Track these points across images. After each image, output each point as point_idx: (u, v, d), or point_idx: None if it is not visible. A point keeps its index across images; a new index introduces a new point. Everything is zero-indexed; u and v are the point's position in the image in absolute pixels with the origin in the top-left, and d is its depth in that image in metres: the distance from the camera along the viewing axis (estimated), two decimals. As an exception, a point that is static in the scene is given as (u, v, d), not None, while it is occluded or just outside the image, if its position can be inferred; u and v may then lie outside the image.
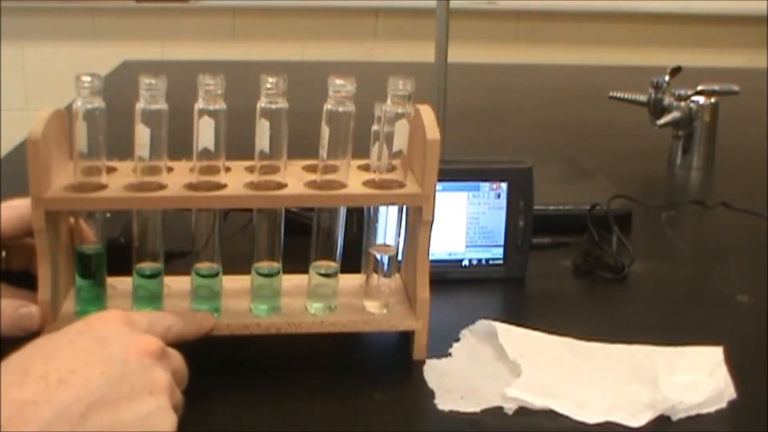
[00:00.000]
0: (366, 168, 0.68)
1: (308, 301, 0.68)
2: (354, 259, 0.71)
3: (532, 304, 0.81)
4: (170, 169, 0.65)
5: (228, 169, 0.65)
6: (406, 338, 0.68)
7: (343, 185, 0.65)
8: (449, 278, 0.81)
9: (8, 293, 0.65)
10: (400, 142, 0.66)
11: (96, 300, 0.66)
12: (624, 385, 0.63)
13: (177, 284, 0.68)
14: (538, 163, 0.82)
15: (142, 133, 0.62)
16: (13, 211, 0.66)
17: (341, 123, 0.64)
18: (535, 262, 0.83)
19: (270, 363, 0.67)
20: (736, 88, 1.19)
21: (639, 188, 1.08)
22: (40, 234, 0.62)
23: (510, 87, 1.77)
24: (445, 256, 0.81)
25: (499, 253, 0.82)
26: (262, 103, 0.63)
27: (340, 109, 0.64)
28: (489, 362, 0.67)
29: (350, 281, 0.70)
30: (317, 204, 0.66)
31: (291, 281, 0.68)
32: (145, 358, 0.49)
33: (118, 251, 0.67)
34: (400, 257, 0.71)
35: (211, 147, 0.63)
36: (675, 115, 1.18)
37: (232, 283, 0.68)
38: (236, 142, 0.65)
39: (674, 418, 0.61)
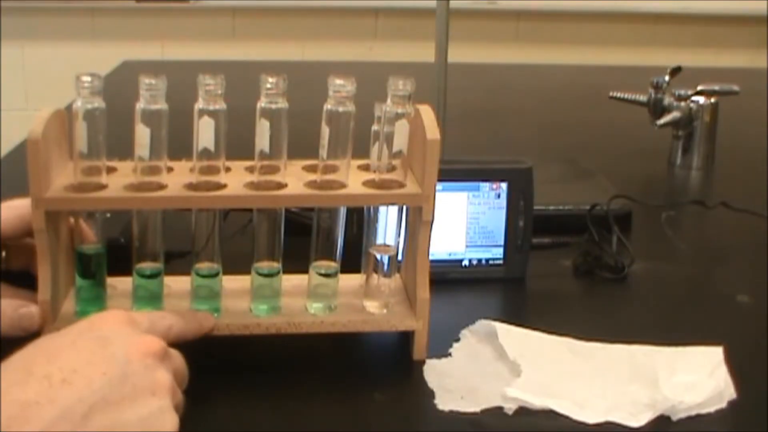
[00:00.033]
0: (366, 168, 0.68)
1: (308, 301, 0.68)
2: (354, 259, 0.71)
3: (532, 304, 0.81)
4: (170, 169, 0.65)
5: (228, 169, 0.65)
6: (406, 338, 0.68)
7: (343, 185, 0.65)
8: (449, 278, 0.81)
9: (8, 293, 0.65)
10: (400, 142, 0.66)
11: (96, 300, 0.66)
12: (624, 385, 0.63)
13: (177, 284, 0.68)
14: (538, 163, 0.82)
15: (142, 133, 0.62)
16: (13, 211, 0.66)
17: (341, 123, 0.64)
18: (535, 262, 0.83)
19: (270, 363, 0.67)
20: (736, 88, 1.19)
21: (639, 188, 1.08)
22: (40, 234, 0.62)
23: (510, 87, 1.77)
24: (445, 256, 0.81)
25: (499, 253, 0.82)
26: (262, 103, 0.63)
27: (340, 109, 0.64)
28: (489, 362, 0.67)
29: (350, 281, 0.70)
30: (317, 204, 0.66)
31: (291, 281, 0.68)
32: (147, 358, 0.49)
33: (118, 251, 0.67)
34: (400, 257, 0.71)
35: (211, 147, 0.63)
36: (675, 115, 1.18)
37: (232, 283, 0.68)
38: (236, 142, 0.65)
39: (674, 418, 0.61)
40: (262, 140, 0.63)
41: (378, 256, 0.68)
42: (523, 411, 0.61)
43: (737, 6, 2.61)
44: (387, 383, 0.65)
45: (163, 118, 0.62)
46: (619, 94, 1.25)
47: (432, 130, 0.63)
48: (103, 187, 0.63)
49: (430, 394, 0.63)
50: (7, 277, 0.68)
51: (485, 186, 0.80)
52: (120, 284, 0.68)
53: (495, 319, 0.70)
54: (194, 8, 2.57)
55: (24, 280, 0.67)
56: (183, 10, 2.56)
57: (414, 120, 0.65)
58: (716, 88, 1.19)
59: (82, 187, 0.63)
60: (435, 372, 0.65)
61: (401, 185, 0.66)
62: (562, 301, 0.80)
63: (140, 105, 0.61)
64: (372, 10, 2.62)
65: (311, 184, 0.65)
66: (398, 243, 0.69)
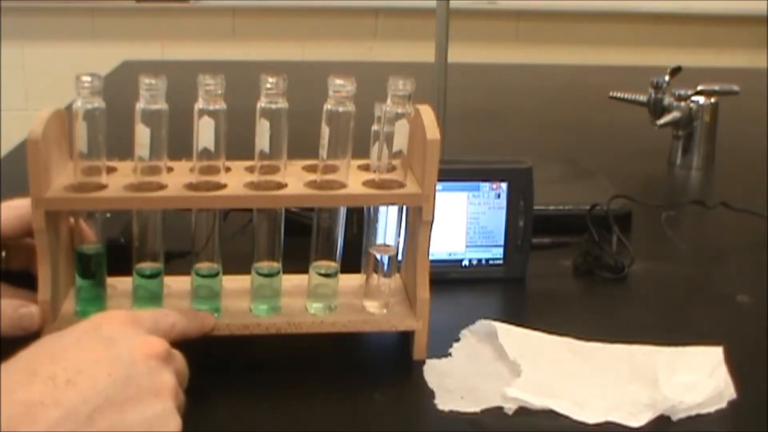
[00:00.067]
0: (366, 168, 0.68)
1: (308, 301, 0.68)
2: (354, 259, 0.71)
3: (532, 304, 0.81)
4: (170, 169, 0.65)
5: (228, 169, 0.65)
6: (406, 338, 0.68)
7: (343, 185, 0.65)
8: (449, 278, 0.81)
9: (8, 293, 0.65)
10: (400, 142, 0.66)
11: (96, 300, 0.66)
12: (624, 385, 0.63)
13: (177, 284, 0.68)
14: (538, 163, 0.82)
15: (142, 133, 0.62)
16: (13, 211, 0.66)
17: (341, 123, 0.64)
18: (535, 262, 0.83)
19: (270, 363, 0.67)
20: (736, 88, 1.19)
21: (639, 188, 1.08)
22: (40, 234, 0.62)
23: (510, 87, 1.77)
24: (445, 256, 0.81)
25: (499, 253, 0.82)
26: (262, 103, 0.63)
27: (340, 109, 0.64)
28: (489, 362, 0.67)
29: (350, 281, 0.70)
30: (317, 204, 0.66)
31: (291, 281, 0.68)
32: (152, 360, 0.50)
33: (118, 251, 0.67)
34: (400, 257, 0.71)
35: (211, 147, 0.63)
36: (675, 115, 1.18)
37: (232, 283, 0.68)
38: (236, 142, 0.65)
39: (674, 418, 0.61)
40: (262, 140, 0.63)
41: (378, 256, 0.68)
42: (523, 411, 0.61)
43: (737, 6, 2.61)
44: (387, 383, 0.65)
45: (163, 118, 0.62)
46: (619, 94, 1.25)
47: (432, 130, 0.63)
48: (103, 187, 0.63)
49: (430, 394, 0.63)
50: (7, 277, 0.68)
51: (485, 186, 0.80)
52: (120, 284, 0.68)
53: (495, 319, 0.70)
54: (194, 8, 2.57)
55: (24, 280, 0.67)
56: (183, 10, 2.56)
57: (414, 120, 0.65)
58: (716, 88, 1.19)
59: (82, 187, 0.63)
60: (435, 372, 0.65)
61: (401, 185, 0.66)
62: (562, 301, 0.80)
63: (140, 105, 0.61)
64: (372, 10, 2.62)
65: (311, 184, 0.65)
66: (398, 243, 0.69)
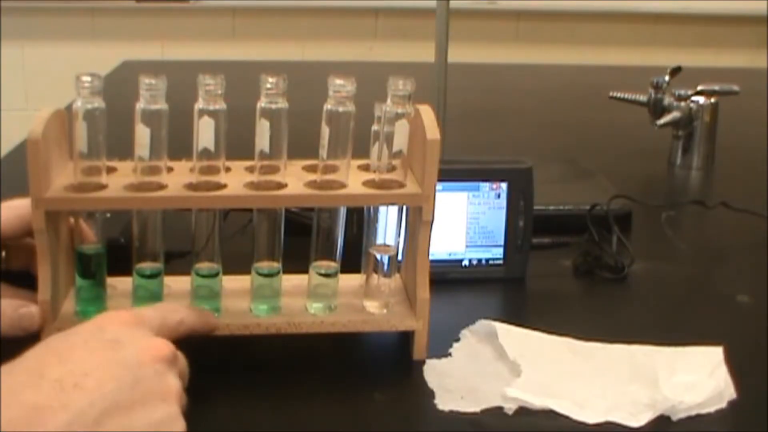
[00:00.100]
0: (366, 168, 0.68)
1: (308, 301, 0.68)
2: (354, 259, 0.71)
3: (532, 304, 0.81)
4: (170, 169, 0.65)
5: (228, 169, 0.65)
6: (406, 338, 0.68)
7: (343, 185, 0.65)
8: (449, 278, 0.81)
9: (8, 293, 0.65)
10: (400, 142, 0.66)
11: (96, 300, 0.66)
12: (624, 385, 0.63)
13: (177, 284, 0.68)
14: (538, 163, 0.82)
15: (142, 133, 0.62)
16: (13, 211, 0.66)
17: (341, 123, 0.64)
18: (535, 262, 0.83)
19: (270, 363, 0.67)
20: (736, 88, 1.19)
21: (639, 188, 1.08)
22: (40, 234, 0.62)
23: (510, 87, 1.77)
24: (445, 256, 0.81)
25: (499, 253, 0.82)
26: (262, 103, 0.63)
27: (340, 109, 0.64)
28: (489, 362, 0.67)
29: (350, 281, 0.70)
30: (317, 204, 0.66)
31: (291, 281, 0.68)
32: (158, 363, 0.50)
33: (118, 251, 0.67)
34: (400, 257, 0.71)
35: (211, 147, 0.63)
36: (675, 115, 1.18)
37: (232, 283, 0.68)
38: (236, 142, 0.65)
39: (674, 418, 0.61)
40: (262, 140, 0.63)
41: (378, 256, 0.68)
42: (523, 411, 0.61)
43: (737, 6, 2.61)
44: (387, 383, 0.65)
45: (163, 118, 0.62)
46: (619, 94, 1.25)
47: (432, 130, 0.63)
48: (103, 187, 0.63)
49: (430, 394, 0.63)
50: (7, 277, 0.68)
51: (485, 186, 0.80)
52: (120, 284, 0.68)
53: (495, 319, 0.70)
54: (194, 8, 2.57)
55: (24, 280, 0.67)
56: (183, 10, 2.56)
57: (414, 120, 0.65)
58: (716, 88, 1.19)
59: (82, 187, 0.63)
60: (435, 372, 0.65)
61: (401, 185, 0.66)
62: (562, 301, 0.80)
63: (140, 105, 0.61)
64: (372, 10, 2.62)
65: (311, 184, 0.65)
66: (398, 243, 0.69)
